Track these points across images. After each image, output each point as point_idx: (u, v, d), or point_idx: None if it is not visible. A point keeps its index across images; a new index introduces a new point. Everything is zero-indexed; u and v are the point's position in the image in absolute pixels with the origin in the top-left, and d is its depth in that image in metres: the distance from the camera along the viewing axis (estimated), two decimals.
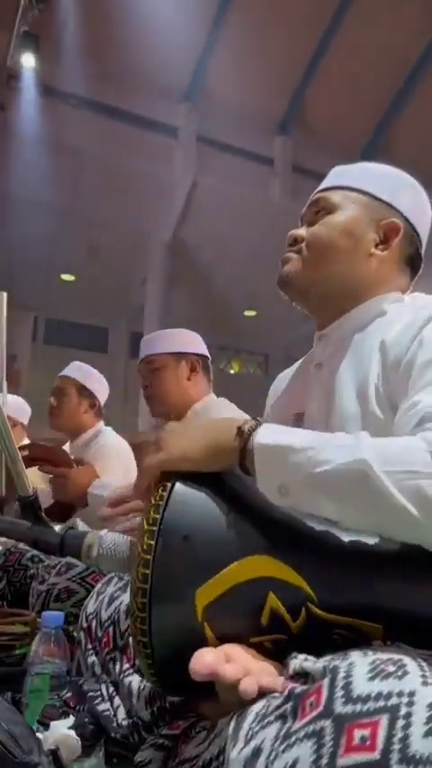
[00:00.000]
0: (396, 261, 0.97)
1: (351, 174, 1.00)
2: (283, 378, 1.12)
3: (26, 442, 2.78)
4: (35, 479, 1.56)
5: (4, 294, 1.24)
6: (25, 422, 2.79)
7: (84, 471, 1.57)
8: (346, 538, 0.63)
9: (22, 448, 1.60)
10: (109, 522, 0.90)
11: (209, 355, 1.82)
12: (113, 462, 2.00)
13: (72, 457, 1.68)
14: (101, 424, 2.25)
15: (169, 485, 0.65)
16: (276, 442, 0.65)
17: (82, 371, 2.26)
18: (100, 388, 2.27)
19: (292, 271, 0.97)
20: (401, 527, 0.60)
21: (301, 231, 0.98)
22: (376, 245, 0.95)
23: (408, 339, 0.80)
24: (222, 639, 0.61)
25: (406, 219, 0.97)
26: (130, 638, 0.90)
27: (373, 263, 0.94)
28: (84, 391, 2.21)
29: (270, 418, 1.05)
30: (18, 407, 2.72)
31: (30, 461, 1.56)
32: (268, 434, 0.66)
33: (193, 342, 1.79)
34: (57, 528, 1.05)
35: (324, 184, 1.01)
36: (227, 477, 0.68)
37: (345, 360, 0.90)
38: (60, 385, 2.23)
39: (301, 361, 1.09)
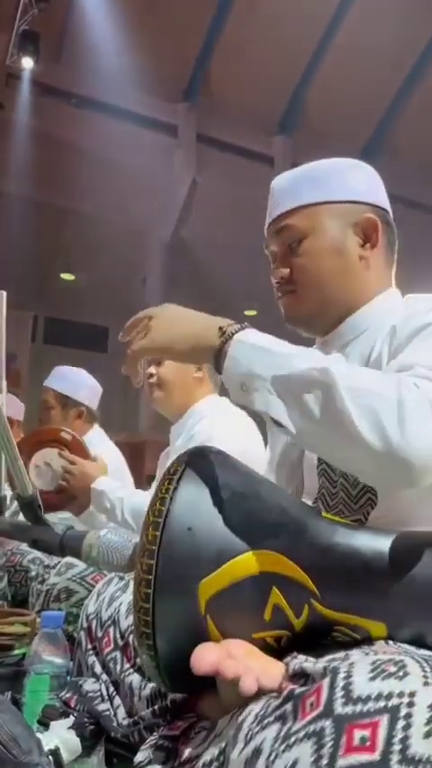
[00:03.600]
0: (384, 252, 0.96)
1: (297, 190, 0.94)
2: None
3: None
4: (50, 461, 1.57)
5: (4, 293, 1.24)
6: (20, 418, 2.78)
7: (92, 466, 1.58)
8: (352, 537, 0.63)
9: (51, 430, 1.63)
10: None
11: None
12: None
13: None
14: (93, 430, 2.20)
15: (175, 477, 0.65)
16: (253, 341, 0.68)
17: (64, 379, 2.19)
18: (87, 393, 2.19)
19: (293, 310, 0.96)
20: (347, 445, 0.60)
21: (285, 270, 0.95)
22: (362, 246, 0.93)
23: (410, 325, 0.81)
24: (225, 633, 0.61)
25: (372, 205, 0.94)
26: (131, 636, 0.90)
27: (365, 265, 0.94)
28: (68, 402, 2.15)
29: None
30: (12, 405, 2.70)
31: (47, 443, 1.57)
32: (249, 335, 0.69)
33: None
34: (57, 528, 1.04)
35: (275, 212, 0.96)
36: (233, 472, 0.68)
37: (349, 362, 0.90)
38: (44, 398, 2.18)
39: None
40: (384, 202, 0.97)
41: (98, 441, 2.16)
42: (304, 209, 0.93)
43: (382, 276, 0.96)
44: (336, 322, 0.94)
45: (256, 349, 0.67)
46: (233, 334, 0.69)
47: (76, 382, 2.20)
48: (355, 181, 0.94)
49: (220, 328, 0.70)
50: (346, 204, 0.93)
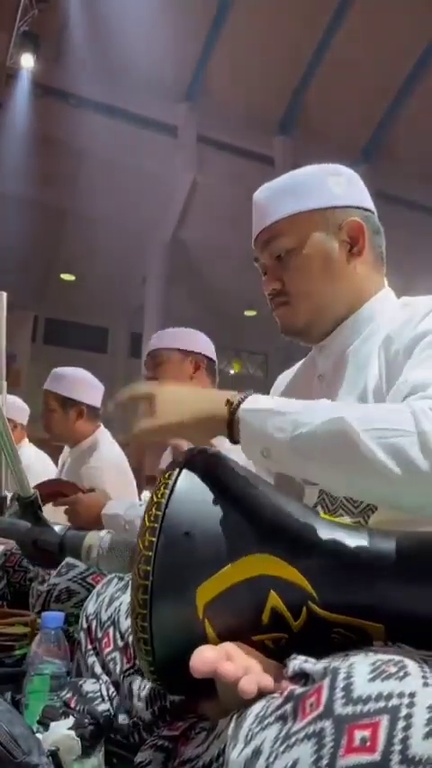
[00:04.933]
0: (372, 253, 0.96)
1: (279, 202, 0.94)
2: (284, 380, 1.11)
3: (26, 441, 2.78)
4: (56, 516, 1.57)
5: (4, 294, 1.24)
6: (24, 422, 2.79)
7: (95, 497, 1.57)
8: (350, 538, 0.62)
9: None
10: None
11: (215, 359, 1.82)
12: (113, 479, 1.98)
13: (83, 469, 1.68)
14: (98, 430, 2.20)
15: (171, 482, 0.65)
16: (260, 407, 0.68)
17: (62, 381, 2.19)
18: (87, 391, 2.19)
19: (289, 322, 0.96)
20: (380, 485, 0.60)
21: (276, 284, 0.95)
22: (350, 251, 0.93)
23: (407, 332, 0.81)
24: (223, 637, 0.61)
25: (355, 207, 0.94)
26: (131, 636, 0.90)
27: (355, 269, 0.94)
28: (67, 402, 2.14)
29: None
30: (16, 408, 2.71)
31: (43, 499, 1.58)
32: (254, 401, 0.69)
33: (201, 343, 1.80)
34: (57, 528, 1.05)
35: (260, 225, 0.96)
36: (229, 474, 0.68)
37: (346, 370, 0.91)
38: (45, 400, 2.18)
39: (300, 365, 1.09)
40: (367, 203, 0.97)
41: (106, 446, 2.15)
42: (288, 221, 0.93)
43: (372, 278, 0.96)
44: (331, 329, 0.95)
45: (266, 413, 0.67)
46: (240, 403, 0.69)
47: (74, 382, 2.19)
48: (335, 186, 0.94)
49: (228, 401, 0.70)
50: (329, 210, 0.93)
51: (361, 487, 0.62)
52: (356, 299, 0.94)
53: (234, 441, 0.69)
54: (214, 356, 1.82)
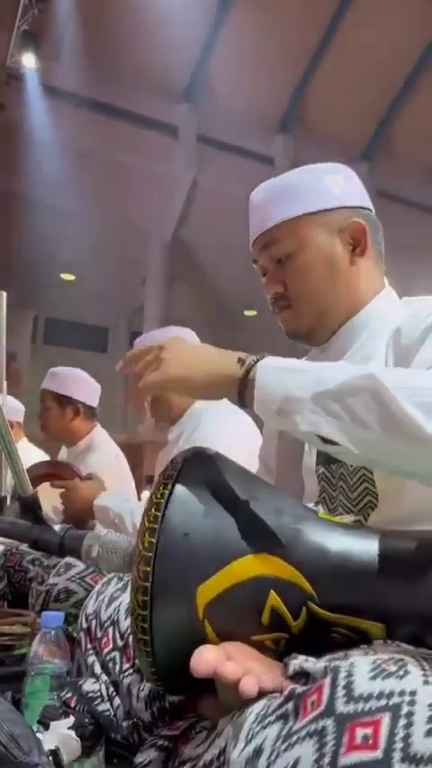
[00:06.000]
0: (373, 253, 0.95)
1: (278, 205, 0.93)
2: None
3: (24, 440, 2.79)
4: (48, 498, 1.56)
5: (4, 294, 1.24)
6: (20, 420, 2.79)
7: (92, 486, 1.57)
8: (349, 537, 0.62)
9: (29, 469, 1.62)
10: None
11: None
12: (113, 479, 1.98)
13: (82, 470, 1.69)
14: (95, 431, 2.21)
15: (170, 482, 0.65)
16: (279, 365, 0.65)
17: (58, 379, 2.20)
18: (83, 389, 2.20)
19: (292, 326, 0.96)
20: (410, 445, 0.57)
21: (278, 287, 0.94)
22: (352, 252, 0.93)
23: (417, 324, 0.81)
24: (223, 638, 0.61)
25: (354, 207, 0.94)
26: (131, 637, 0.90)
27: (358, 270, 0.93)
28: (63, 400, 2.16)
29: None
30: (11, 408, 2.71)
31: (38, 479, 1.58)
32: (272, 360, 0.66)
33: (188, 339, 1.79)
34: (57, 528, 1.04)
35: (259, 229, 0.95)
36: (229, 475, 0.68)
37: None
38: (42, 398, 2.20)
39: None
40: (365, 200, 0.97)
41: (103, 444, 2.15)
42: (288, 224, 0.92)
43: (374, 277, 0.95)
44: (334, 330, 0.94)
45: (285, 371, 0.64)
46: (255, 362, 0.66)
47: (70, 380, 2.20)
48: (333, 185, 0.93)
49: (239, 359, 0.67)
50: (330, 212, 0.92)
51: (388, 448, 0.58)
52: (360, 299, 0.93)
53: (243, 402, 0.66)
54: None
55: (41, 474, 1.63)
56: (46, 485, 1.58)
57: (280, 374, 0.64)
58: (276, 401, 0.63)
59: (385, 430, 0.58)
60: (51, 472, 1.60)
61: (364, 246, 0.93)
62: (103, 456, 2.10)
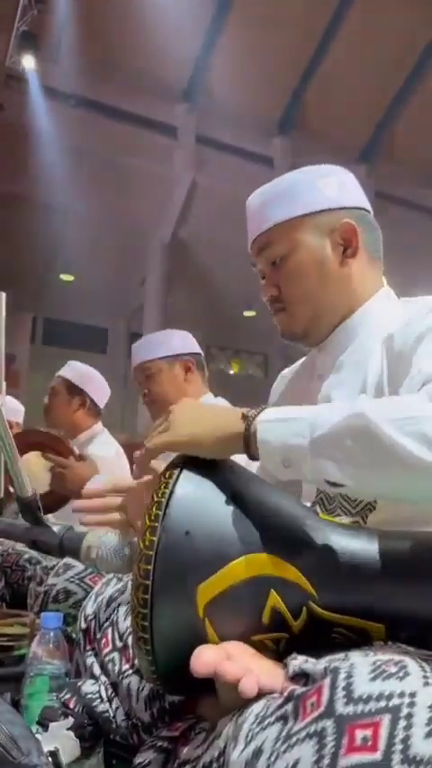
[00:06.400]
0: (366, 253, 0.95)
1: (271, 208, 0.94)
2: (284, 379, 1.11)
3: None
4: (35, 467, 1.55)
5: (3, 294, 1.24)
6: (20, 420, 2.79)
7: (86, 466, 1.57)
8: (350, 538, 0.62)
9: (23, 434, 1.61)
10: (81, 517, 0.89)
11: (201, 352, 1.82)
12: (108, 470, 1.98)
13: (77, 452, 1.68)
14: (97, 426, 2.22)
15: (171, 481, 0.65)
16: (274, 416, 0.67)
17: (74, 370, 2.25)
18: (94, 387, 2.23)
19: (288, 327, 0.97)
20: (409, 476, 0.58)
21: (273, 290, 0.96)
22: (344, 253, 0.93)
23: (411, 330, 0.81)
24: (223, 637, 0.61)
25: (347, 208, 0.94)
26: (130, 638, 0.90)
27: (350, 271, 0.93)
28: (73, 389, 2.19)
29: None
30: (11, 408, 2.71)
31: (31, 446, 1.55)
32: (270, 413, 0.67)
33: (183, 342, 1.79)
34: (56, 528, 1.04)
35: (254, 233, 0.96)
36: (229, 474, 0.68)
37: (345, 371, 0.91)
38: (53, 384, 2.24)
39: (300, 364, 1.09)
40: (361, 201, 0.97)
41: (104, 442, 2.16)
42: (280, 227, 0.93)
43: (369, 278, 0.95)
44: (330, 331, 0.95)
45: (282, 422, 0.66)
46: (255, 417, 0.68)
47: (86, 374, 2.25)
48: (326, 188, 0.94)
49: (243, 415, 0.69)
50: (321, 214, 0.92)
51: (387, 481, 0.60)
52: (354, 300, 0.94)
53: (252, 456, 0.68)
54: (198, 348, 1.81)
55: (33, 442, 1.60)
56: (35, 453, 1.56)
57: (278, 427, 0.66)
58: (279, 454, 0.65)
59: (382, 465, 0.59)
60: (44, 442, 1.58)
61: (354, 248, 0.93)
62: (103, 447, 2.12)
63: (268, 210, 0.94)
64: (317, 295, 0.93)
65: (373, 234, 0.97)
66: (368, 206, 0.98)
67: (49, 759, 0.75)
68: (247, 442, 0.67)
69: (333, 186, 0.94)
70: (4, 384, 1.35)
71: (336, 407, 0.65)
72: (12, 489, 1.11)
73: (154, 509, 0.63)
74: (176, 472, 0.66)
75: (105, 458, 2.04)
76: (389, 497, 0.68)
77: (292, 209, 0.93)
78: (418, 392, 0.67)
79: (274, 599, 0.60)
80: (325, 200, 0.93)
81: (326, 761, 0.43)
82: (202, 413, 0.73)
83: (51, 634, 1.00)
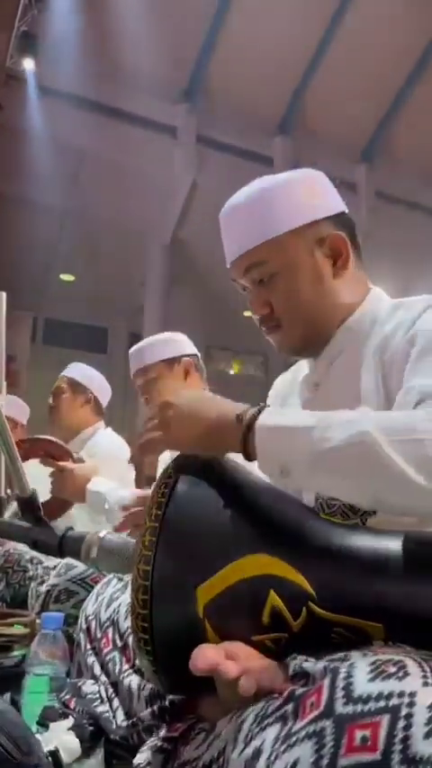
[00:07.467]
0: (355, 261, 0.93)
1: (253, 225, 0.90)
2: (281, 384, 1.11)
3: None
4: (36, 473, 1.54)
5: (3, 294, 1.24)
6: (24, 421, 2.79)
7: (85, 468, 1.56)
8: (349, 538, 0.62)
9: (23, 441, 1.60)
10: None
11: (198, 353, 1.82)
12: (105, 465, 1.99)
13: (75, 455, 1.68)
14: (100, 423, 2.24)
15: (171, 482, 0.65)
16: (278, 423, 0.66)
17: (78, 369, 2.28)
18: (97, 385, 2.26)
19: (284, 344, 0.95)
20: (405, 496, 0.59)
21: (265, 309, 0.92)
22: (334, 264, 0.91)
23: (401, 336, 0.81)
24: (223, 637, 0.61)
25: (332, 217, 0.92)
26: (130, 638, 0.90)
27: (342, 281, 0.92)
28: (77, 387, 2.22)
29: None
30: (17, 407, 2.72)
31: (31, 454, 1.55)
32: (271, 417, 0.67)
33: (180, 344, 1.79)
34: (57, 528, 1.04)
35: (236, 252, 0.93)
36: (229, 474, 0.68)
37: (340, 377, 0.90)
38: (59, 384, 2.26)
39: (297, 369, 1.08)
40: (338, 204, 0.94)
41: (107, 436, 2.17)
42: (267, 245, 0.89)
43: (358, 283, 0.94)
44: (326, 341, 0.94)
45: (282, 430, 0.65)
46: (254, 417, 0.67)
47: (89, 374, 2.28)
48: (307, 197, 0.90)
49: (238, 417, 0.68)
50: (309, 226, 0.89)
51: (384, 496, 0.61)
52: (347, 309, 0.92)
53: (248, 457, 0.67)
54: (194, 349, 1.81)
55: (36, 448, 1.60)
56: (36, 461, 1.56)
57: (277, 436, 0.65)
58: (277, 463, 0.65)
59: (387, 489, 0.60)
60: (46, 450, 1.57)
61: (345, 258, 0.91)
62: (107, 438, 2.13)
63: (251, 228, 0.90)
64: (311, 310, 0.91)
65: (355, 237, 0.94)
66: (343, 204, 0.95)
67: (50, 759, 0.75)
68: (245, 445, 0.67)
69: (314, 193, 0.91)
70: (4, 384, 1.35)
71: (338, 421, 0.63)
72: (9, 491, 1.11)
73: (154, 509, 0.63)
74: (176, 472, 0.66)
75: (111, 451, 2.06)
76: (389, 513, 0.69)
77: (277, 226, 0.88)
78: (420, 408, 0.67)
79: (274, 599, 0.60)
80: (310, 211, 0.90)
81: (325, 761, 0.43)
82: (196, 411, 0.72)
83: (52, 634, 1.00)
